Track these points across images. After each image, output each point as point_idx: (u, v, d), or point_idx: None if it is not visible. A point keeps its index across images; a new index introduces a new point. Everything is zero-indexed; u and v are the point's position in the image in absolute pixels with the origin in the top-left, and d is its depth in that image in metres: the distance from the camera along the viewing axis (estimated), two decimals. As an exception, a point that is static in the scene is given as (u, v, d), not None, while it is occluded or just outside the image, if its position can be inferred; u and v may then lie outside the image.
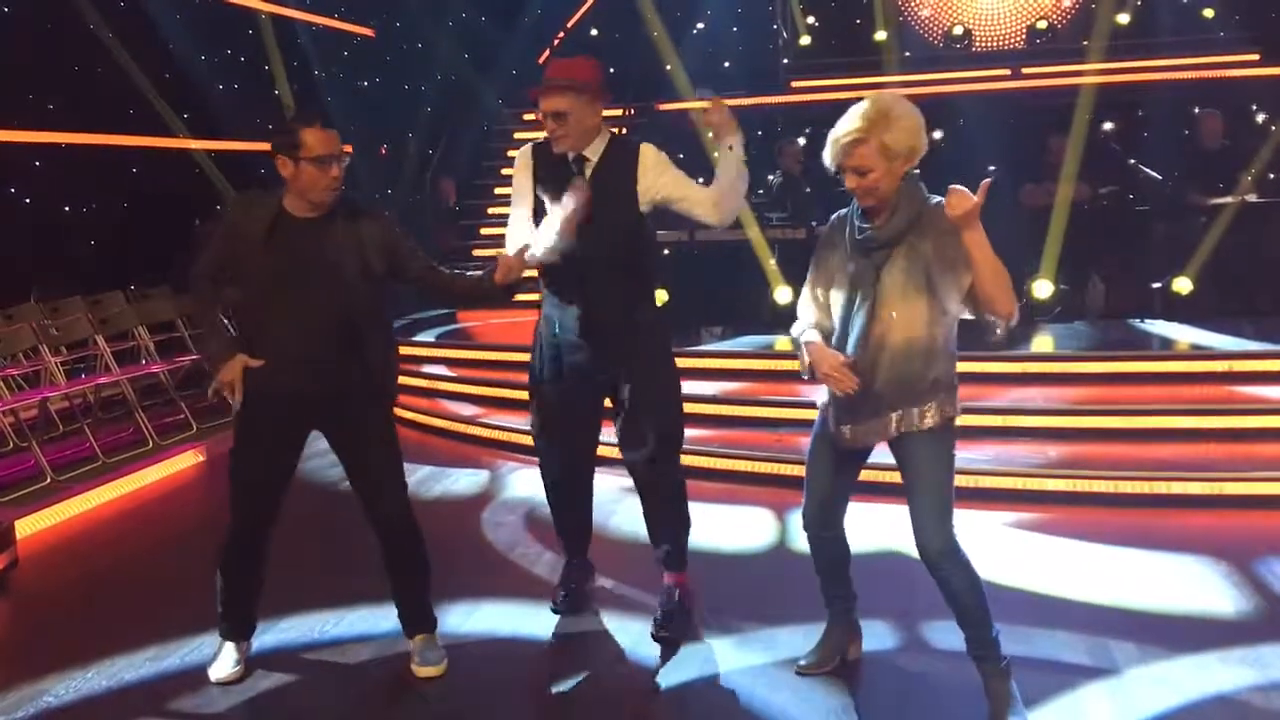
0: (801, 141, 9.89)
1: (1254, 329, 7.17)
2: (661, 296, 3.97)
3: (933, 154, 3.17)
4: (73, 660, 3.93)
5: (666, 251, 8.56)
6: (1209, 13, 12.29)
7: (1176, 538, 4.83)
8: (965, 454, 3.34)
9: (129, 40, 8.86)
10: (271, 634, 4.08)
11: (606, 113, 3.94)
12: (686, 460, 4.33)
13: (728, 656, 3.84)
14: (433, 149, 12.50)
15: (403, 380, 7.63)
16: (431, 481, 6.26)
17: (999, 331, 3.10)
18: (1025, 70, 11.97)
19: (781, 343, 7.24)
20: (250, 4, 10.35)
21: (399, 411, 7.43)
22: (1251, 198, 8.18)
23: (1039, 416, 6.11)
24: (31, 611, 4.66)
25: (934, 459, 3.18)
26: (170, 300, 8.25)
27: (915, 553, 3.24)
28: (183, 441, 7.14)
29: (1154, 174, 8.77)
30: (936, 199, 3.12)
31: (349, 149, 3.51)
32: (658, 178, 3.84)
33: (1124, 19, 12.26)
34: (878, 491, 4.25)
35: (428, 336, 8.98)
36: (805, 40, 13.56)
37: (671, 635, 3.96)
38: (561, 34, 14.41)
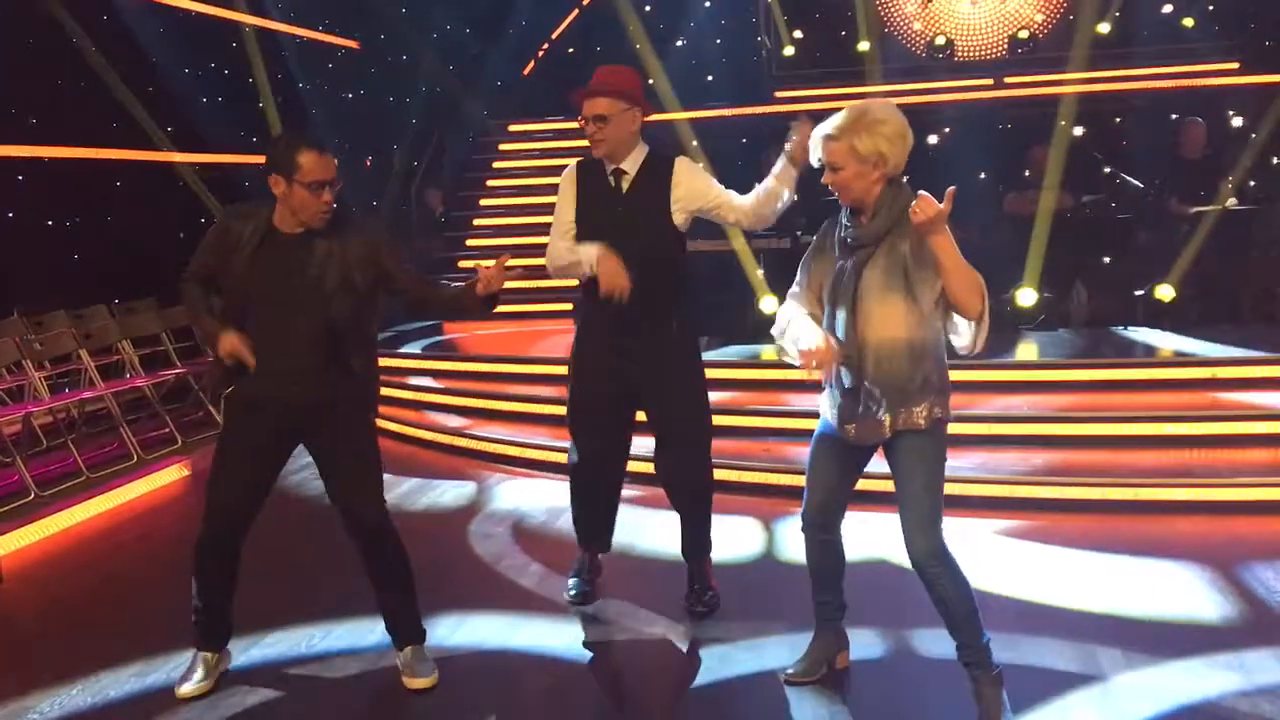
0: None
1: (1236, 335, 7.22)
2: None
3: (924, 161, 3.22)
4: (58, 677, 3.90)
5: None
6: (1189, 22, 12.40)
7: (1161, 544, 4.86)
8: (951, 462, 3.36)
9: (112, 54, 8.82)
10: (258, 649, 4.06)
11: None
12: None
13: (715, 666, 3.84)
14: (418, 161, 12.51)
15: (389, 392, 7.67)
16: (418, 493, 6.24)
17: (965, 342, 3.21)
18: (1008, 80, 12.06)
19: (767, 352, 7.24)
20: (234, 17, 10.32)
21: (384, 423, 7.43)
22: (1232, 203, 8.25)
23: (1024, 424, 6.14)
24: (16, 628, 4.63)
25: (924, 459, 3.24)
26: (155, 314, 8.24)
27: (905, 562, 3.26)
28: (168, 456, 7.11)
29: (1135, 182, 8.83)
30: None
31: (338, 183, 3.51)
32: (690, 188, 4.05)
33: (1104, 29, 12.37)
34: (868, 500, 4.24)
35: (414, 348, 8.95)
36: (789, 51, 13.61)
37: (707, 608, 4.25)
38: (545, 45, 14.45)
